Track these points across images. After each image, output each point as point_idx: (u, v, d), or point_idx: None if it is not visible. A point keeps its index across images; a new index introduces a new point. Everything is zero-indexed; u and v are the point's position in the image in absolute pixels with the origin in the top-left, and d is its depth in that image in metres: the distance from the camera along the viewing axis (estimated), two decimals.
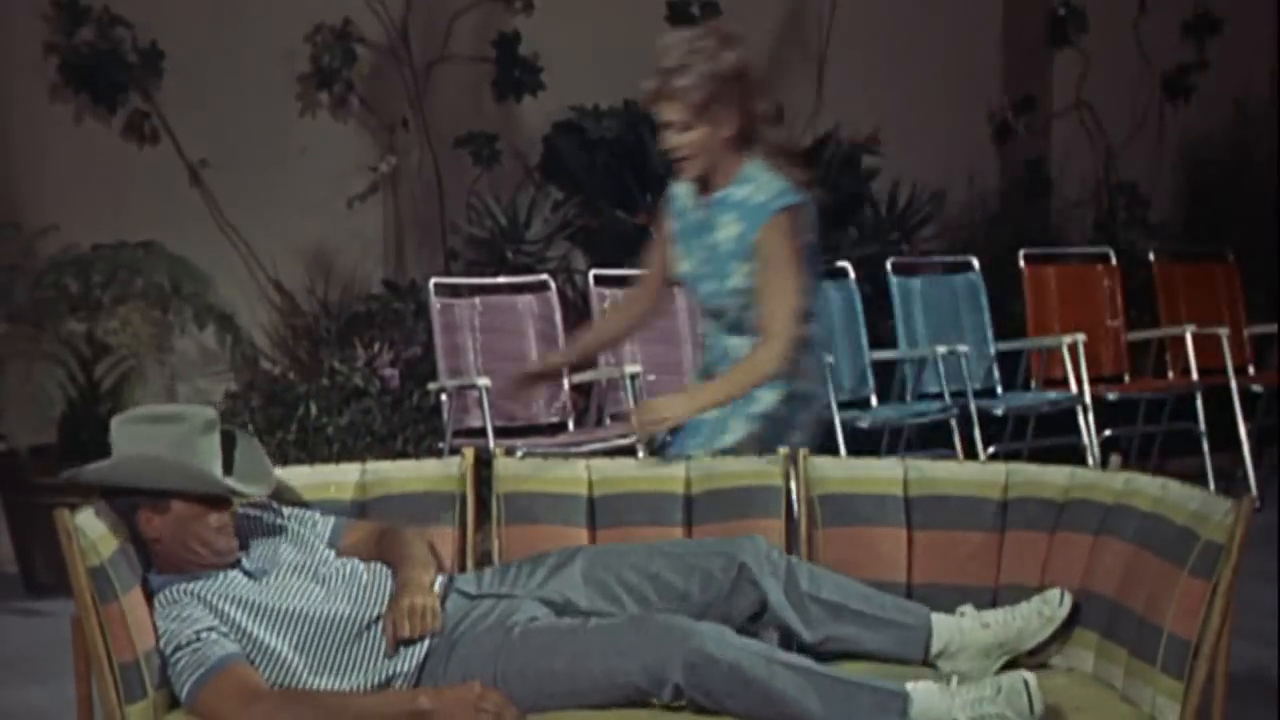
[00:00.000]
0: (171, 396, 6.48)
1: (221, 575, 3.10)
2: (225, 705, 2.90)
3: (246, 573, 3.13)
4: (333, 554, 3.27)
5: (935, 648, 3.20)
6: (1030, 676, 2.89)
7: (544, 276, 6.71)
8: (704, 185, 3.72)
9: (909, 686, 2.89)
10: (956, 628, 3.20)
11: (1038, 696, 2.86)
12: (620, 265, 6.84)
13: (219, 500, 3.13)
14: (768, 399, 3.67)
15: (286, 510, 3.35)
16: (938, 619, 3.22)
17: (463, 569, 3.44)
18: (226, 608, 3.03)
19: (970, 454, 6.64)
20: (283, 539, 3.26)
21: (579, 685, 2.93)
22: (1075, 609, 3.21)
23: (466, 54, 7.38)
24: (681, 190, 3.80)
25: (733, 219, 3.66)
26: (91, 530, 2.92)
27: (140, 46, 6.68)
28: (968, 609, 3.23)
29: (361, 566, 3.21)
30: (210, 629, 2.97)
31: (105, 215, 6.42)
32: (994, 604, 3.32)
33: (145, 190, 6.67)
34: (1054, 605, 3.19)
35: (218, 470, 3.16)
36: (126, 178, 6.66)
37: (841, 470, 3.48)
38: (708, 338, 3.86)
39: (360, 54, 7.09)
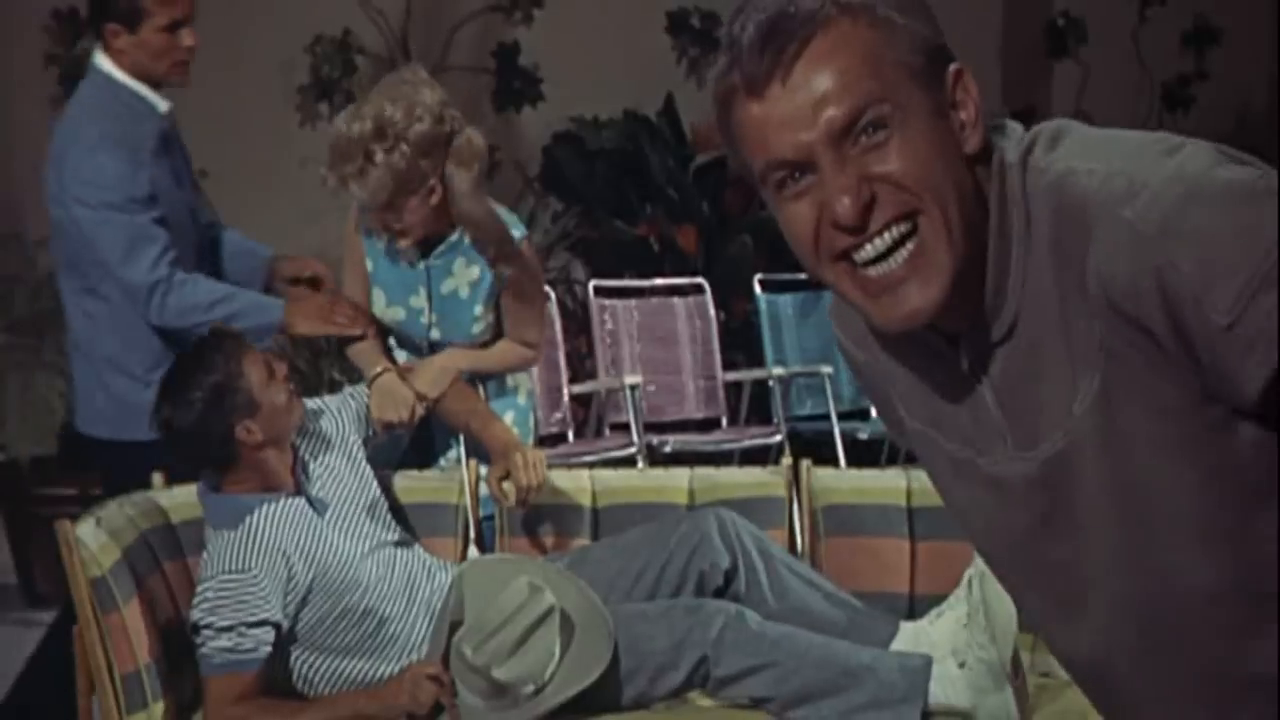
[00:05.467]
0: None
1: (287, 503, 3.11)
2: (225, 700, 2.93)
3: (310, 503, 3.15)
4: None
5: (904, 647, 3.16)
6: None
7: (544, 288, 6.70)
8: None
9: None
10: (914, 630, 3.15)
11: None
12: (620, 276, 6.85)
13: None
14: None
15: (324, 414, 3.39)
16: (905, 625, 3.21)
17: None
18: (289, 553, 3.04)
19: None
20: (333, 453, 3.30)
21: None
22: None
23: (466, 65, 7.38)
24: None
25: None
26: (92, 541, 2.92)
27: None
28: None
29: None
30: (259, 623, 2.95)
31: None
32: None
33: None
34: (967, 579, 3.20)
35: None
36: None
37: (844, 481, 3.48)
38: None
39: (360, 65, 7.09)
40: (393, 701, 2.93)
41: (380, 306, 3.56)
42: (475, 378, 3.56)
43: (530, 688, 2.91)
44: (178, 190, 3.64)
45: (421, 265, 3.51)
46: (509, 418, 3.58)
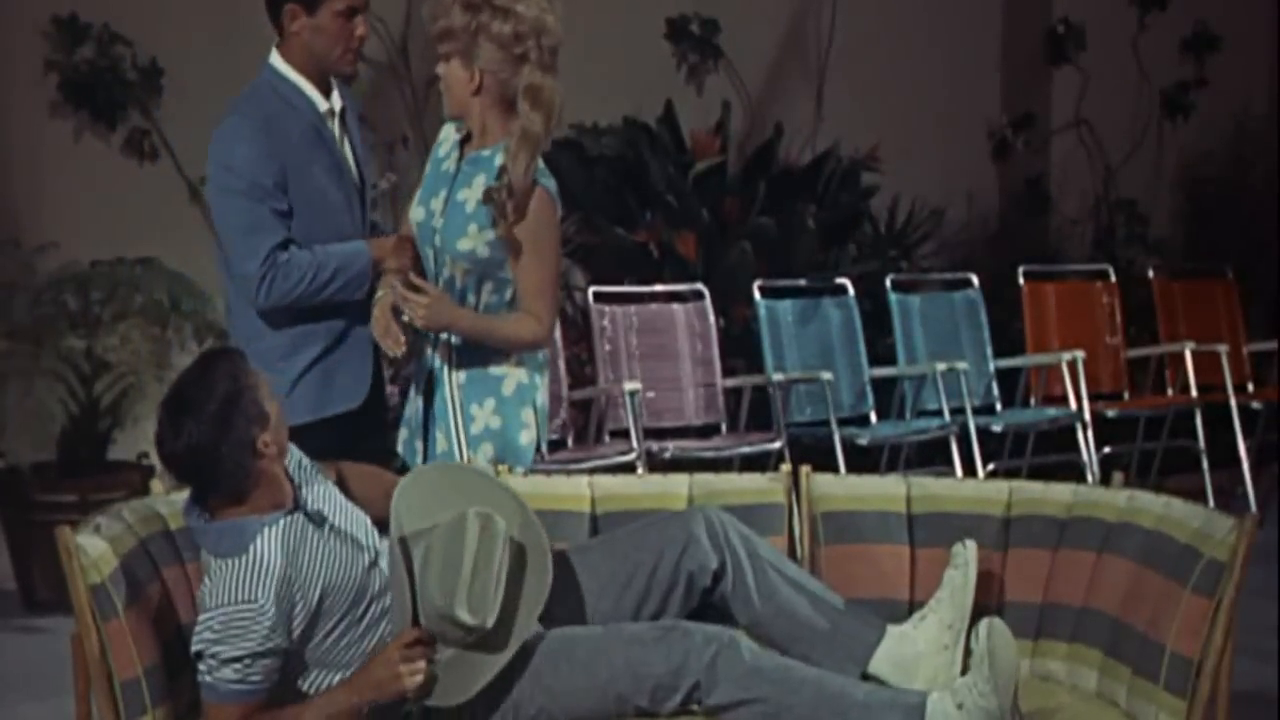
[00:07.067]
0: None
1: (287, 522, 3.02)
2: None
3: (309, 516, 3.07)
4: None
5: (886, 661, 3.15)
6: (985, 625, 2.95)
7: None
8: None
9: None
10: (899, 635, 3.16)
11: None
12: (620, 282, 6.85)
13: None
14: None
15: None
16: (891, 628, 3.20)
17: None
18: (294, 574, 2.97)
19: (969, 471, 6.63)
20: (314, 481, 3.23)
21: (597, 678, 2.97)
22: (1079, 626, 3.21)
23: None
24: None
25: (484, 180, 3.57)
26: (92, 548, 2.91)
27: (140, 64, 6.67)
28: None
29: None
30: (267, 653, 2.89)
31: (104, 232, 6.41)
32: None
33: (144, 207, 6.66)
34: (960, 554, 3.20)
35: None
36: (126, 195, 6.65)
37: (844, 488, 3.48)
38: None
39: (360, 72, 7.07)
40: (386, 684, 2.88)
41: (414, 204, 3.68)
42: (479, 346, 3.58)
43: (493, 619, 2.94)
44: (330, 184, 3.73)
45: (454, 169, 3.62)
46: (491, 407, 3.61)
